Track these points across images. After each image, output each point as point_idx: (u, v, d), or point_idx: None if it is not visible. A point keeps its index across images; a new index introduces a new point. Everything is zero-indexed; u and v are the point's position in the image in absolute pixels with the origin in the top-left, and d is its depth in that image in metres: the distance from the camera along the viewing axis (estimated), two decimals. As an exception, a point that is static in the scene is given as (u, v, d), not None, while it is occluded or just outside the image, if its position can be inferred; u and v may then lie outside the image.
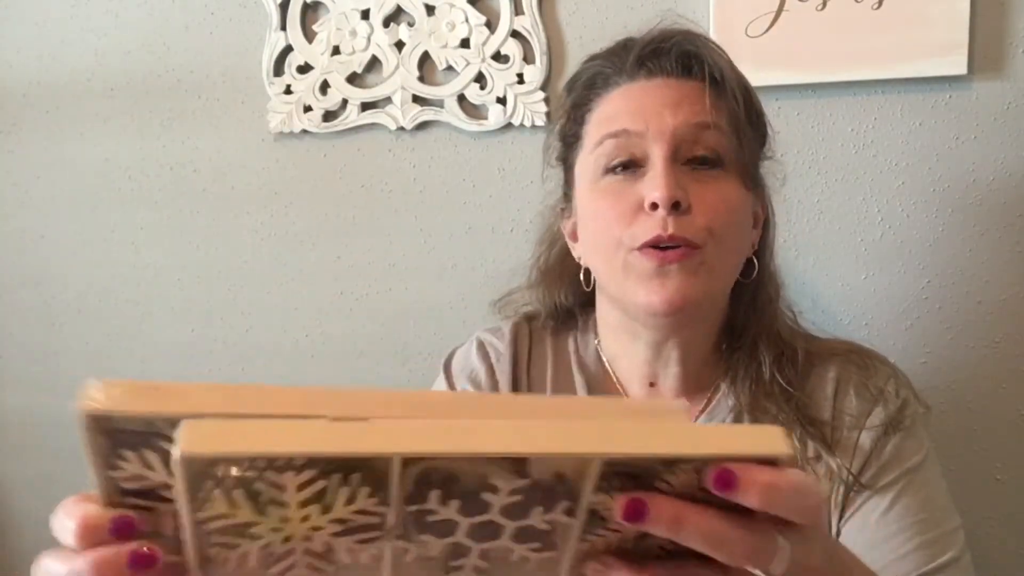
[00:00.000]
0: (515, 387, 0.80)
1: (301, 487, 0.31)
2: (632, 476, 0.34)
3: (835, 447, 0.72)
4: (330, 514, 0.33)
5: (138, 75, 1.25)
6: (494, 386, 0.80)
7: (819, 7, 0.99)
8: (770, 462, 0.35)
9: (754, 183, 0.73)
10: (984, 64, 0.98)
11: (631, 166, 0.69)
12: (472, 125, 1.12)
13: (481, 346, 0.82)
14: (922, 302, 1.04)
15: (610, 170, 0.70)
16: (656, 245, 0.67)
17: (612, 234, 0.70)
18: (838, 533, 0.72)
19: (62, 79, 1.28)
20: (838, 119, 1.03)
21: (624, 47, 0.72)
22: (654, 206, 0.67)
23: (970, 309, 1.03)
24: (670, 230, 0.66)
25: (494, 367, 0.81)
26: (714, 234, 0.68)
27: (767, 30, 1.00)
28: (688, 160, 0.69)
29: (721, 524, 0.35)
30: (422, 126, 1.15)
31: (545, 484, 0.34)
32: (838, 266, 1.06)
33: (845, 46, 0.99)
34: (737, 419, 0.76)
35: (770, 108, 1.04)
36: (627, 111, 0.70)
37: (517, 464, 0.33)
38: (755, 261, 0.75)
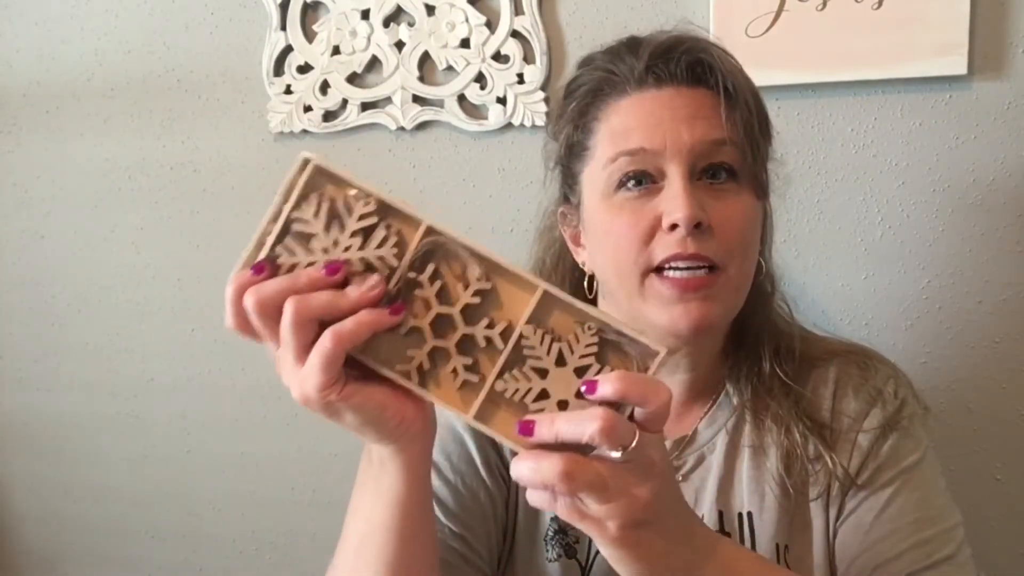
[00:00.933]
0: None
1: (361, 217, 0.49)
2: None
3: (834, 447, 0.72)
4: (364, 251, 0.49)
5: (138, 75, 1.25)
6: None
7: (819, 7, 0.99)
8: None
9: (764, 190, 0.72)
10: (984, 64, 0.98)
11: (645, 180, 0.68)
12: (472, 125, 1.12)
13: None
14: (922, 302, 1.04)
15: (623, 184, 0.69)
16: (675, 264, 0.66)
17: (629, 253, 0.68)
18: (835, 534, 0.72)
19: (62, 79, 1.28)
20: (838, 119, 1.03)
21: (628, 49, 0.71)
22: (674, 226, 0.66)
23: (970, 309, 1.03)
24: (691, 249, 0.66)
25: None
26: (734, 253, 0.67)
27: (767, 30, 1.00)
28: (703, 174, 0.68)
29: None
30: (422, 126, 1.15)
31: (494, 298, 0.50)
32: (838, 266, 1.06)
33: (845, 46, 0.99)
34: (739, 419, 0.76)
35: (770, 108, 1.03)
36: (642, 126, 0.68)
37: (488, 267, 0.50)
38: (761, 261, 0.75)
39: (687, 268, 0.66)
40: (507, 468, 0.75)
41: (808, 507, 0.73)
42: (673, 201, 0.66)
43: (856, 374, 0.76)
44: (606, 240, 0.70)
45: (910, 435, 0.73)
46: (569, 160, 0.75)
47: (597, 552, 0.72)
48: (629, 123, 0.69)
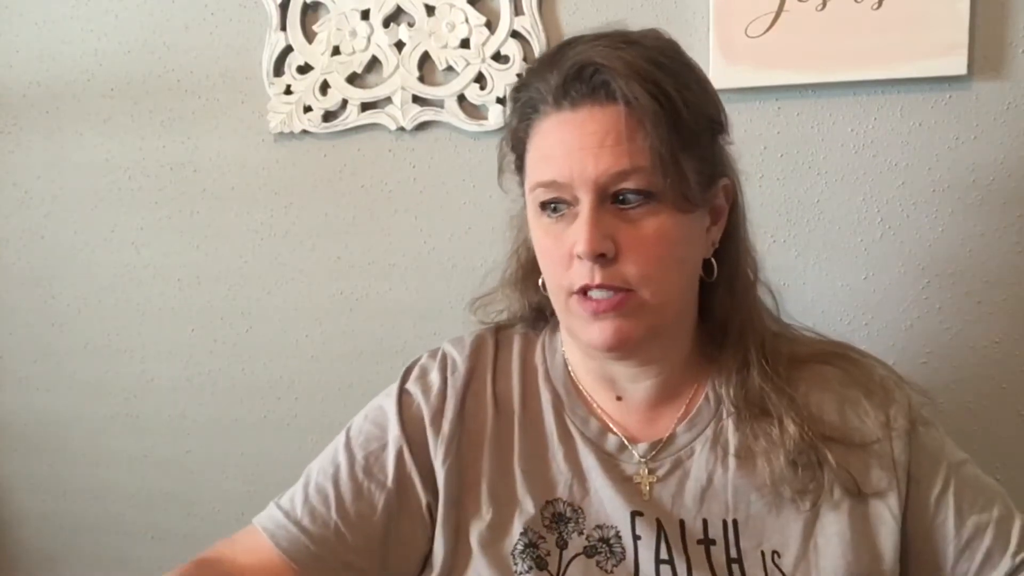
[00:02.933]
0: (463, 403, 0.78)
1: None
2: None
3: (850, 455, 0.72)
4: None
5: (138, 75, 1.25)
6: (444, 400, 0.78)
7: (819, 7, 0.99)
8: None
9: (704, 191, 0.71)
10: (984, 64, 0.98)
11: (561, 207, 0.69)
12: (472, 125, 1.12)
13: (443, 359, 0.81)
14: (922, 302, 1.04)
15: (545, 209, 0.71)
16: (586, 292, 0.68)
17: (554, 275, 0.71)
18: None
19: (62, 79, 1.28)
20: (838, 119, 1.03)
21: (551, 63, 0.70)
22: (580, 256, 0.67)
23: (970, 309, 1.03)
24: (597, 280, 0.67)
25: (447, 380, 0.80)
26: (646, 277, 0.68)
27: (767, 30, 1.00)
28: (616, 199, 0.68)
29: None
30: (422, 126, 1.15)
31: None
32: (838, 266, 1.06)
33: (845, 46, 0.99)
34: (722, 424, 0.75)
35: (770, 108, 1.05)
36: (553, 156, 0.69)
37: None
38: (714, 263, 0.74)
39: (604, 291, 0.68)
40: (431, 482, 0.76)
41: (811, 513, 0.72)
42: (578, 231, 0.67)
43: (856, 377, 0.76)
44: (540, 258, 0.73)
45: (927, 421, 0.75)
46: (516, 168, 0.76)
47: (568, 564, 0.72)
48: (544, 151, 0.70)
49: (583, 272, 0.68)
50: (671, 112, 0.67)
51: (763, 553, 0.71)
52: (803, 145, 1.04)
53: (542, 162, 0.70)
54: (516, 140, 0.74)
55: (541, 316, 0.83)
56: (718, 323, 0.76)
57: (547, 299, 0.76)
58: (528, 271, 0.81)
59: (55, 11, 1.27)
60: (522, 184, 0.75)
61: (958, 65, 0.96)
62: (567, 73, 0.68)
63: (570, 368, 0.80)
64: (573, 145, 0.68)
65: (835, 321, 1.05)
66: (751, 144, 1.06)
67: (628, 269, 0.67)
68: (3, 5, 1.28)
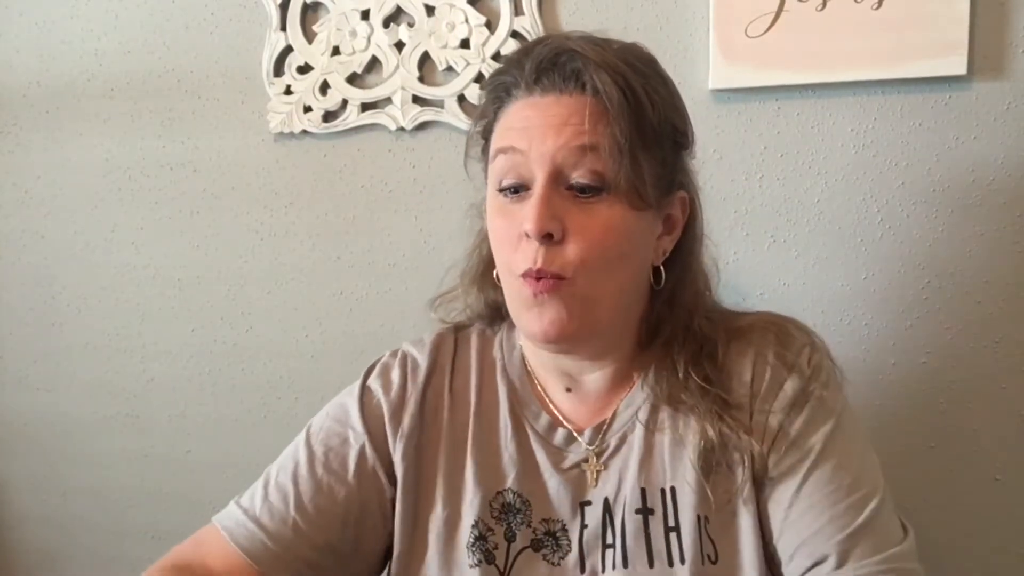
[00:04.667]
0: (423, 399, 0.79)
1: None
2: None
3: (751, 432, 0.72)
4: None
5: (138, 75, 1.25)
6: (404, 397, 0.80)
7: (819, 7, 0.99)
8: None
9: (659, 195, 0.71)
10: (984, 64, 0.98)
11: (520, 188, 0.70)
12: (472, 125, 1.12)
13: (403, 358, 0.82)
14: (922, 302, 1.04)
15: (502, 190, 0.71)
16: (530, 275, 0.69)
17: (502, 255, 0.72)
18: (759, 517, 0.72)
19: (62, 79, 1.28)
20: (838, 119, 1.03)
21: (527, 53, 0.72)
22: (528, 235, 0.68)
23: (970, 309, 1.03)
24: (539, 263, 0.68)
25: (407, 377, 0.81)
26: (586, 265, 0.68)
27: (767, 30, 1.00)
28: (570, 184, 0.69)
29: None
30: (422, 126, 1.15)
31: None
32: (838, 266, 1.06)
33: (845, 46, 0.99)
34: (654, 410, 0.76)
35: (770, 108, 1.05)
36: (518, 128, 0.70)
37: None
38: (662, 270, 0.75)
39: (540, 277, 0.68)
40: (391, 476, 0.77)
41: (732, 502, 0.72)
42: (529, 210, 0.68)
43: (773, 346, 0.75)
44: (493, 239, 0.74)
45: (822, 406, 0.73)
46: (482, 153, 0.78)
47: (516, 557, 0.74)
48: (511, 124, 0.71)
49: (528, 254, 0.68)
50: (636, 108, 0.68)
51: (698, 517, 0.72)
52: (803, 145, 1.04)
53: (504, 133, 0.71)
54: (485, 124, 0.76)
55: (498, 315, 0.84)
56: (651, 331, 0.77)
57: (504, 299, 0.77)
58: (488, 266, 0.81)
59: (55, 11, 1.27)
60: (485, 170, 0.76)
61: (958, 65, 0.96)
62: (542, 59, 0.70)
63: (527, 362, 0.81)
64: (536, 121, 0.69)
65: (835, 321, 1.06)
66: (751, 144, 1.06)
67: (570, 253, 0.68)
68: (3, 5, 1.28)
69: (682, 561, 0.71)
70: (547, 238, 0.67)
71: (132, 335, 1.32)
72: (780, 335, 0.76)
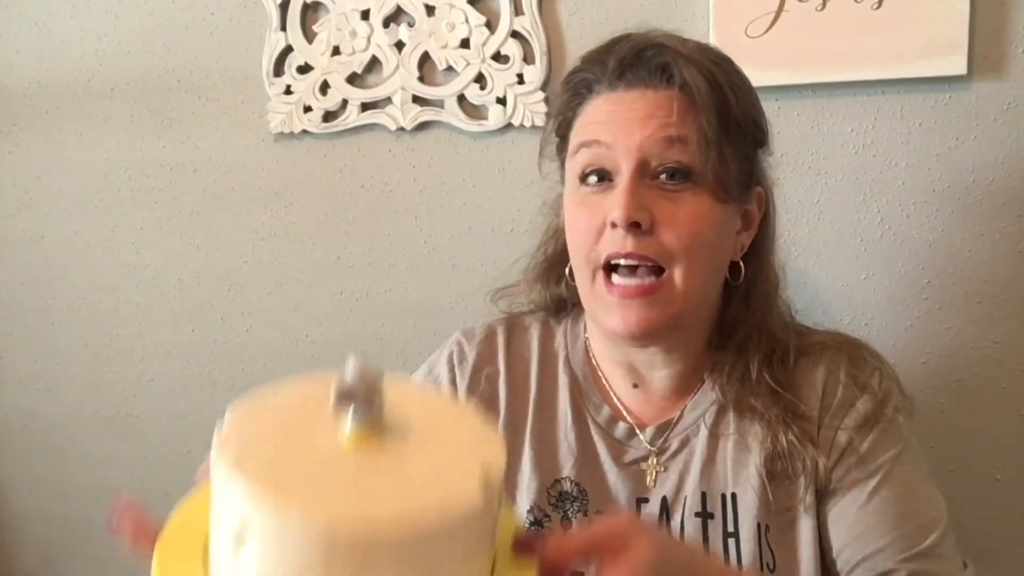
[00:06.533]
0: (471, 388, 0.81)
1: None
2: None
3: (818, 445, 0.72)
4: None
5: (138, 75, 1.25)
6: (453, 384, 0.82)
7: (819, 7, 0.99)
8: None
9: (740, 190, 0.72)
10: (984, 64, 0.98)
11: (604, 178, 0.70)
12: (472, 125, 1.12)
13: (451, 351, 0.84)
14: (922, 302, 1.04)
15: (584, 180, 0.71)
16: (617, 261, 0.68)
17: (583, 248, 0.71)
18: (819, 527, 0.73)
19: (62, 79, 1.28)
20: (838, 119, 1.03)
21: (608, 50, 0.72)
22: (615, 224, 0.68)
23: (970, 309, 1.03)
24: (628, 247, 0.67)
25: (456, 369, 0.82)
26: (679, 254, 0.68)
27: (767, 30, 1.00)
28: (656, 175, 0.69)
29: None
30: (422, 126, 1.15)
31: None
32: (838, 266, 1.06)
33: (845, 46, 0.99)
34: (721, 413, 0.76)
35: (770, 108, 1.04)
36: (601, 122, 0.71)
37: None
38: (742, 265, 0.75)
39: (632, 275, 0.68)
40: None
41: (792, 511, 0.73)
42: (616, 198, 0.68)
43: (845, 367, 0.76)
44: (570, 233, 0.74)
45: (892, 429, 0.74)
46: (558, 151, 0.78)
47: None
48: (593, 118, 0.72)
49: (615, 240, 0.68)
50: (722, 101, 0.69)
51: (759, 526, 0.72)
52: (803, 145, 1.04)
53: (587, 127, 0.72)
54: (562, 122, 0.76)
55: (563, 306, 0.84)
56: (727, 329, 0.77)
57: (570, 290, 0.78)
58: (553, 263, 0.82)
59: (55, 11, 1.27)
60: (562, 166, 0.77)
61: (958, 65, 0.96)
62: (626, 55, 0.70)
63: (591, 354, 0.81)
64: (620, 115, 0.69)
65: (835, 321, 1.05)
66: (751, 144, 1.06)
67: (666, 239, 0.68)
68: (3, 5, 1.28)
69: (739, 567, 0.71)
70: (634, 227, 0.67)
71: (132, 335, 1.31)
72: (853, 357, 0.76)
